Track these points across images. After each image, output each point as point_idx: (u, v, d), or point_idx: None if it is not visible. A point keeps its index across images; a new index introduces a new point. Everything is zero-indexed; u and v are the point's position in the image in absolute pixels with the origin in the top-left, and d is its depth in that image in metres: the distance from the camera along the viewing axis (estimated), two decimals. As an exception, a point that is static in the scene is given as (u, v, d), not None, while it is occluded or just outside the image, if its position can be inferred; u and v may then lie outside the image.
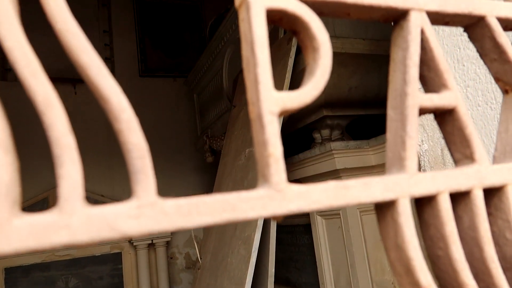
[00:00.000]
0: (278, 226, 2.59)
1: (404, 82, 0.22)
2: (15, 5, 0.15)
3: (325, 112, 2.38)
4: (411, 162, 0.20)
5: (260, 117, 0.18)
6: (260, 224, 2.24)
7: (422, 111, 0.22)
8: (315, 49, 0.20)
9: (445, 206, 0.20)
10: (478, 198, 0.21)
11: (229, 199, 0.16)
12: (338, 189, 0.18)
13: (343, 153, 2.18)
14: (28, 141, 4.20)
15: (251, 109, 0.18)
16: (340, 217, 2.35)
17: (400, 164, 0.20)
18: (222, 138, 3.22)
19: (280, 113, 0.18)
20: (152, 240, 4.36)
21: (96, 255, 4.38)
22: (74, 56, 0.15)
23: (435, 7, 0.24)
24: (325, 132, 2.38)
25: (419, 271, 0.18)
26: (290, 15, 0.20)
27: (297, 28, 0.20)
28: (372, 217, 2.31)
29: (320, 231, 2.54)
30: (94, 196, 4.53)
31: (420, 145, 0.91)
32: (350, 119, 2.54)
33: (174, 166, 4.76)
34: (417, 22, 0.23)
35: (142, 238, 4.29)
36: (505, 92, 0.27)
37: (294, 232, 3.13)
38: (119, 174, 4.59)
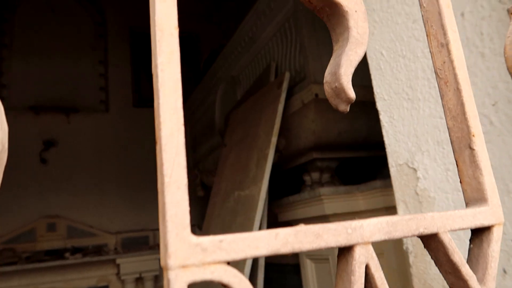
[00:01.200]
0: (267, 265, 2.55)
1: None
2: None
3: (315, 155, 2.38)
4: None
5: None
6: (249, 264, 2.20)
7: None
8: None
9: None
10: None
11: None
12: None
13: (332, 199, 2.16)
14: (16, 171, 4.15)
15: None
16: (329, 262, 2.32)
17: None
18: (213, 174, 3.19)
19: None
20: (140, 274, 4.26)
21: (82, 288, 4.25)
22: None
23: (382, 236, 0.22)
24: (315, 175, 2.37)
25: None
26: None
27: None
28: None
29: (309, 275, 2.49)
30: (83, 227, 4.45)
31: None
32: (340, 161, 2.53)
33: (165, 197, 4.70)
34: (361, 260, 0.21)
35: (130, 272, 4.20)
36: (461, 304, 0.25)
37: (283, 271, 3.08)
38: (108, 205, 4.53)
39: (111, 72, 4.83)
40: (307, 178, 2.42)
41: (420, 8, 0.30)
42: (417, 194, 0.89)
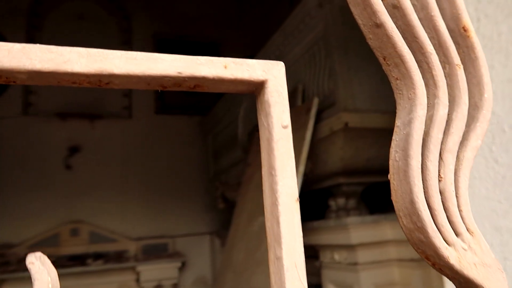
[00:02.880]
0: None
1: None
2: None
3: (341, 180, 2.33)
4: None
5: None
6: None
7: None
8: None
9: None
10: None
11: None
12: None
13: (359, 228, 2.11)
14: (41, 176, 4.22)
15: None
16: (354, 291, 2.27)
17: None
18: (235, 189, 3.17)
19: None
20: (159, 282, 4.30)
21: (103, 293, 4.32)
22: None
23: None
24: (341, 201, 2.32)
25: None
26: None
27: None
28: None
29: (333, 301, 2.44)
30: (105, 233, 4.51)
31: None
32: (367, 185, 2.48)
33: (185, 203, 4.72)
34: None
35: (149, 279, 4.24)
36: None
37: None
38: (131, 211, 4.57)
39: (135, 78, 4.86)
40: (332, 203, 2.37)
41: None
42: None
